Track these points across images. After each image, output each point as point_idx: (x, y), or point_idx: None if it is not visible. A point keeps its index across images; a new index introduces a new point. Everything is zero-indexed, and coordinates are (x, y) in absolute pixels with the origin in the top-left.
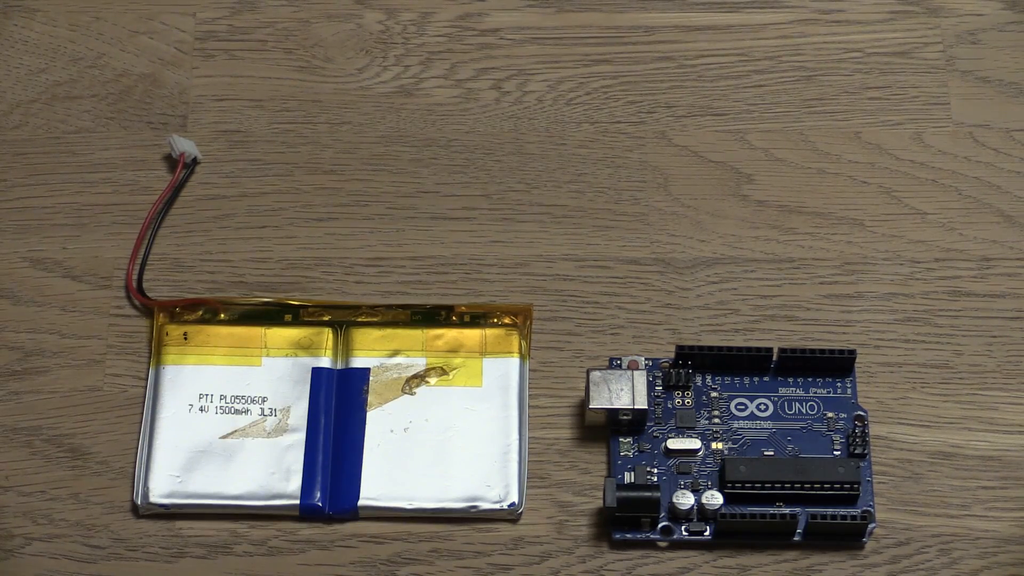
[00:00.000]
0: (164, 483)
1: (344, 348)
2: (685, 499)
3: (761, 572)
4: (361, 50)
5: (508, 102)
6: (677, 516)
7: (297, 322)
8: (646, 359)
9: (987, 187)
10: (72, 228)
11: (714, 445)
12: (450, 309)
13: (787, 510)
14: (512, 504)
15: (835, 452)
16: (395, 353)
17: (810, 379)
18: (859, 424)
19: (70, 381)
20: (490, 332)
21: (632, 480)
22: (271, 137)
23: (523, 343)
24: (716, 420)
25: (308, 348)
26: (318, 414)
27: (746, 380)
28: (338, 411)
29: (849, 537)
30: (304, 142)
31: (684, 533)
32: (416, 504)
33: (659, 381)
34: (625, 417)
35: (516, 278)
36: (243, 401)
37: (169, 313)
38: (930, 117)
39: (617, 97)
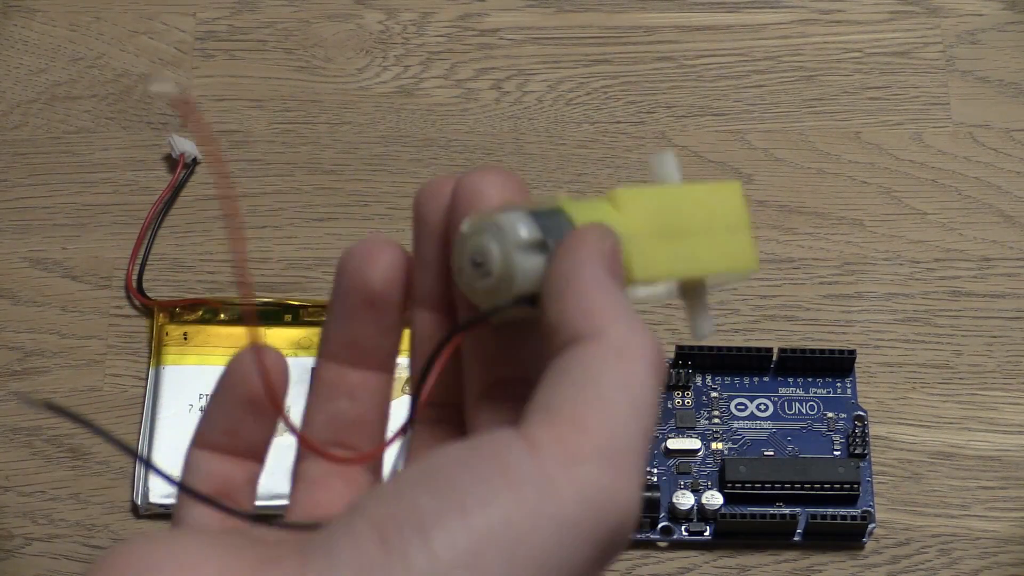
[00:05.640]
0: (164, 483)
1: None
2: (685, 499)
3: (761, 572)
4: (361, 50)
5: (508, 102)
6: (677, 516)
7: (297, 322)
8: None
9: (987, 187)
10: (72, 228)
11: (714, 445)
12: None
13: (787, 510)
14: None
15: (835, 452)
16: None
17: (810, 379)
18: (859, 424)
19: (70, 381)
20: None
21: None
22: (271, 137)
23: None
24: (716, 420)
25: (308, 348)
26: None
27: (746, 380)
28: None
29: (849, 537)
30: (304, 142)
31: (684, 533)
32: None
33: None
34: None
35: None
36: None
37: (169, 313)
38: (930, 117)
39: (617, 97)
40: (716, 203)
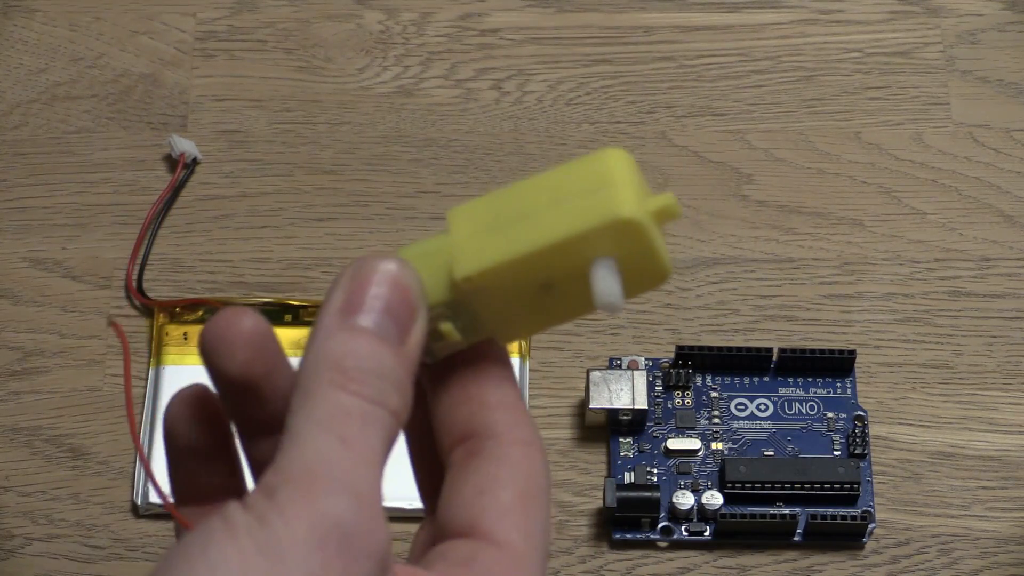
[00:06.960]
0: (164, 483)
1: None
2: (685, 499)
3: (761, 572)
4: (361, 50)
5: (508, 102)
6: (677, 516)
7: (297, 322)
8: (646, 359)
9: (987, 187)
10: (72, 228)
11: (714, 445)
12: None
13: (787, 510)
14: None
15: (835, 452)
16: None
17: (810, 379)
18: (859, 424)
19: (70, 381)
20: None
21: (632, 480)
22: (271, 137)
23: (523, 343)
24: (716, 420)
25: None
26: None
27: (746, 380)
28: None
29: (849, 537)
30: (304, 142)
31: (684, 533)
32: (416, 504)
33: (659, 381)
34: (625, 417)
35: None
36: None
37: (169, 313)
38: (930, 117)
39: (617, 97)
40: (574, 177)
